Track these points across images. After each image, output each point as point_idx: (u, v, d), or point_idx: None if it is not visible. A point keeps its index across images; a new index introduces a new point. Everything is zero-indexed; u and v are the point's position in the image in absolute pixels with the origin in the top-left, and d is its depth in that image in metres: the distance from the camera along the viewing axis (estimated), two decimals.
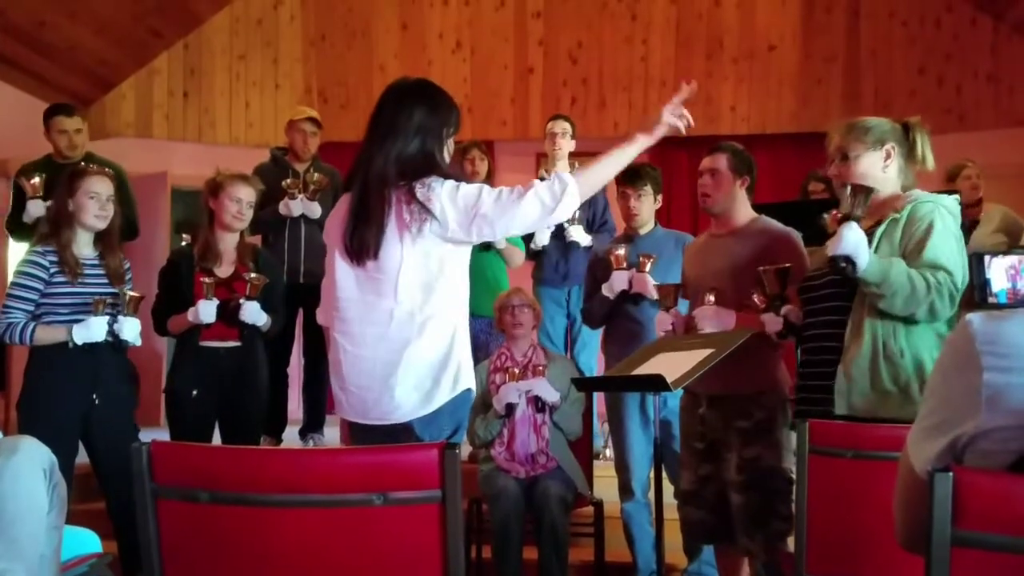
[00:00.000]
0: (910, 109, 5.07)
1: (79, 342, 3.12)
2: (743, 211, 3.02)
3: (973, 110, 6.52)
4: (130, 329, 3.20)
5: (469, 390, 2.31)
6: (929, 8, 6.61)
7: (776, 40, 6.79)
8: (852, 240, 2.27)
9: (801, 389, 2.61)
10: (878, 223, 2.42)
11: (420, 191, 2.19)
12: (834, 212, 2.60)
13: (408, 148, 2.23)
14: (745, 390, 2.84)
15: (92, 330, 3.14)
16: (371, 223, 2.19)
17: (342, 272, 2.27)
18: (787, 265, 2.70)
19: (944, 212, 2.38)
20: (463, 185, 2.23)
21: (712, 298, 2.86)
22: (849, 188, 2.39)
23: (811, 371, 2.56)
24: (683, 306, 3.11)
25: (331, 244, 2.33)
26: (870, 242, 2.33)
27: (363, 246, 2.20)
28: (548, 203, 2.20)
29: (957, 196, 2.50)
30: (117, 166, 4.38)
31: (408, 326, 2.21)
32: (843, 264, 2.30)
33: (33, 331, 3.13)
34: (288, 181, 4.52)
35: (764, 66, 6.80)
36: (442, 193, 2.19)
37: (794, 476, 2.81)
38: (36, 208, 4.04)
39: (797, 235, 2.99)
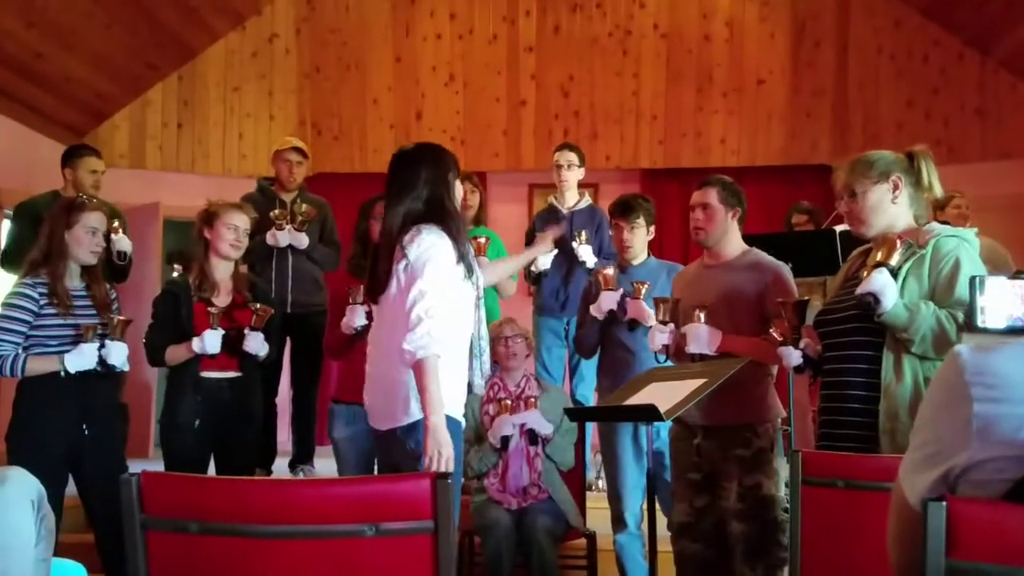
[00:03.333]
0: (898, 142, 5.12)
1: (72, 370, 3.10)
2: (735, 243, 3.06)
3: (961, 143, 6.59)
4: (117, 354, 3.17)
5: (456, 422, 2.46)
6: (917, 43, 6.70)
7: (765, 74, 6.87)
8: (880, 281, 2.30)
9: (824, 424, 2.57)
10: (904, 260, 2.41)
11: (410, 233, 2.53)
12: (854, 255, 2.63)
13: (417, 202, 2.58)
14: (744, 419, 2.85)
15: (84, 357, 3.12)
16: (379, 270, 2.60)
17: (374, 305, 2.69)
18: (806, 298, 2.72)
19: (967, 247, 2.39)
20: (434, 258, 2.50)
21: (703, 316, 2.88)
22: (880, 239, 2.41)
23: (833, 405, 2.53)
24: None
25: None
26: (896, 279, 2.34)
27: (375, 288, 2.63)
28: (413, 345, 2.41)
29: (976, 229, 2.52)
30: (117, 208, 4.48)
31: (395, 349, 2.46)
32: (869, 300, 2.31)
33: (24, 363, 3.11)
34: (276, 212, 4.53)
35: (753, 100, 6.87)
36: (422, 243, 2.50)
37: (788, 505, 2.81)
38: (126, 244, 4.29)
39: (787, 268, 3.02)
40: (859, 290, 2.34)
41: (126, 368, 3.26)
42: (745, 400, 2.79)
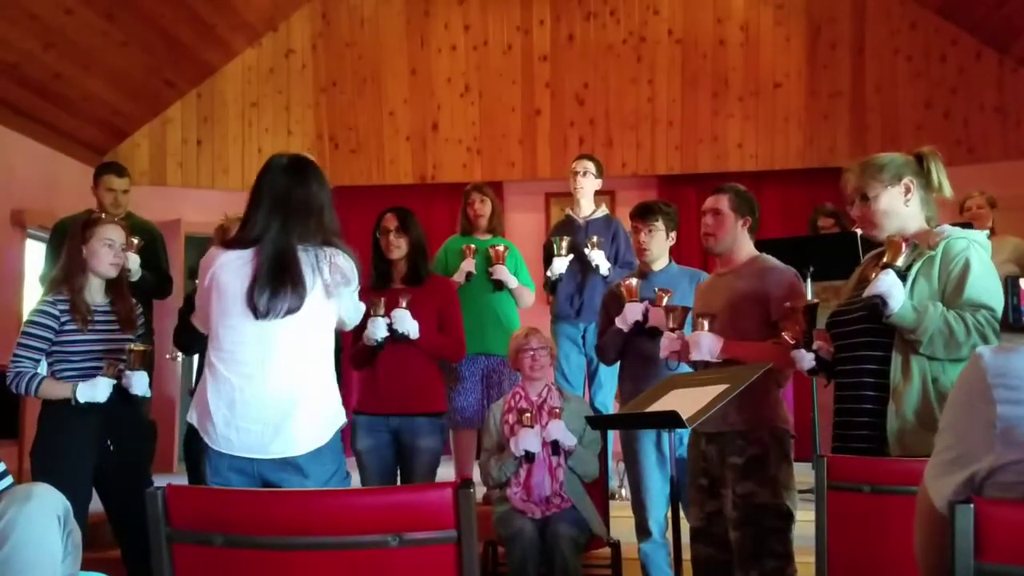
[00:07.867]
0: (918, 142, 5.07)
1: (82, 400, 3.12)
2: (745, 250, 3.07)
3: (981, 143, 6.54)
4: (139, 384, 3.20)
5: (339, 429, 2.52)
6: (934, 43, 6.66)
7: (781, 77, 6.85)
8: (887, 282, 2.30)
9: (838, 426, 2.56)
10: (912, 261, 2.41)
11: (343, 260, 2.48)
12: (868, 257, 2.62)
13: (321, 217, 2.51)
14: (738, 426, 2.86)
15: (97, 390, 3.14)
16: (288, 284, 2.40)
17: (242, 319, 2.43)
18: (815, 301, 2.71)
19: (978, 248, 2.37)
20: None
21: (706, 324, 2.90)
22: (887, 241, 2.41)
23: (846, 407, 2.52)
24: None
25: (230, 293, 2.45)
26: (906, 280, 2.33)
27: (279, 306, 2.39)
28: None
29: (986, 232, 2.49)
30: (153, 226, 4.50)
31: (304, 366, 2.44)
32: (876, 301, 2.31)
33: (39, 384, 3.14)
34: None
35: (770, 103, 6.85)
36: (350, 271, 2.52)
37: (793, 512, 2.80)
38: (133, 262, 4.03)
39: (794, 272, 3.03)
40: (866, 292, 2.34)
41: (148, 395, 3.29)
42: (740, 407, 2.79)
